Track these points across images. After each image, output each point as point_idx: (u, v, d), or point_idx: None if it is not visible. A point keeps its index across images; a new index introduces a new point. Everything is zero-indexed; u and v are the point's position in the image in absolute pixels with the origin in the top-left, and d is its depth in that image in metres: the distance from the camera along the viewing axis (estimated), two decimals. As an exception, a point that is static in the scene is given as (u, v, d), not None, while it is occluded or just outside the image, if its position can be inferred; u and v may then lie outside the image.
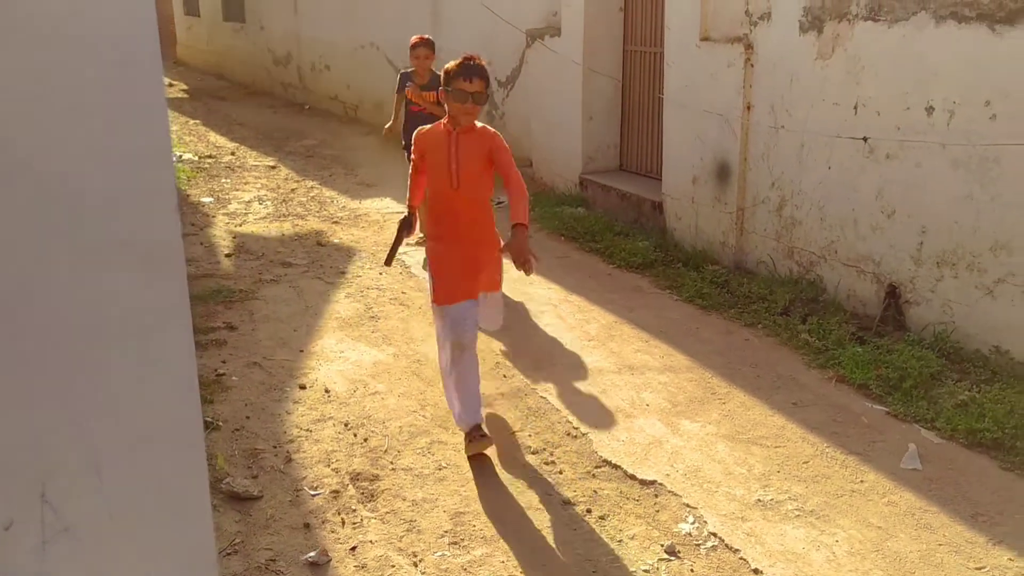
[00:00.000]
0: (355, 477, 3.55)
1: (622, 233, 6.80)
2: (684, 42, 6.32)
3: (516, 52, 9.03)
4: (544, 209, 7.58)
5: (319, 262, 6.41)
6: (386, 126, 6.68)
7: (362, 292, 5.79)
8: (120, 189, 0.71)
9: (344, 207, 8.11)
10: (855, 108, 5.00)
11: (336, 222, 7.56)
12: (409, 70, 6.32)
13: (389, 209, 7.96)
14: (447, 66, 3.64)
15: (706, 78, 6.12)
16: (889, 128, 4.80)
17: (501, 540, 3.14)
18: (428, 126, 3.77)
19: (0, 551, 0.73)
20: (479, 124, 3.65)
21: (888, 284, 4.93)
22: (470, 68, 3.52)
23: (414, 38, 6.23)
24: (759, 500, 3.37)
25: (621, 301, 5.54)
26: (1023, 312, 4.21)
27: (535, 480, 3.54)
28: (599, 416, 4.04)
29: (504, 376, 4.48)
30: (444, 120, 3.68)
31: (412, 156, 3.81)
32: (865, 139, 4.94)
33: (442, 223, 3.71)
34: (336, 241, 6.98)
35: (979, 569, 2.94)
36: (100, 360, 0.74)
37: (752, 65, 5.75)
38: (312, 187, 8.93)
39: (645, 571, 2.97)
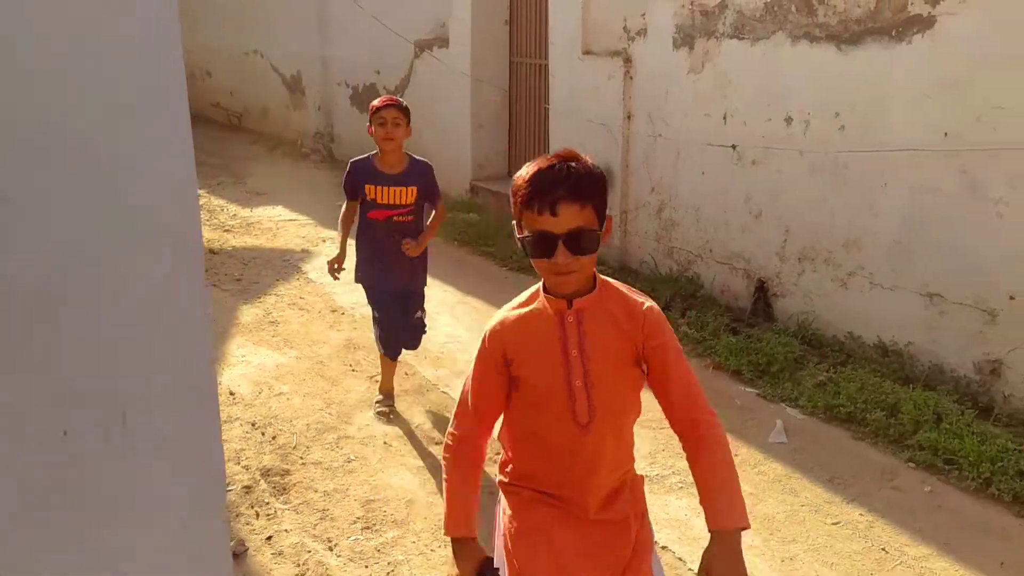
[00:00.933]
0: (266, 472, 3.68)
1: (513, 236, 7.09)
2: (567, 55, 6.68)
3: (405, 62, 9.23)
4: (437, 215, 7.80)
5: (214, 270, 6.43)
6: (330, 259, 4.08)
7: (259, 298, 5.87)
8: (150, 177, 0.90)
9: (235, 215, 8.10)
10: (724, 118, 5.45)
11: (228, 230, 7.57)
12: (365, 157, 3.97)
13: (281, 217, 8.01)
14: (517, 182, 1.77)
15: (589, 89, 6.49)
16: (754, 137, 5.26)
17: (412, 522, 3.35)
18: (513, 313, 1.88)
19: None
20: (614, 282, 1.88)
21: (757, 279, 5.40)
22: (547, 183, 1.69)
23: (377, 101, 3.90)
24: (646, 475, 3.68)
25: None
26: (871, 301, 4.72)
27: (439, 469, 3.75)
28: (498, 407, 4.30)
29: (406, 374, 4.68)
30: (540, 289, 1.86)
31: (477, 366, 1.92)
32: (734, 147, 5.39)
33: (552, 472, 1.91)
34: (229, 249, 7.00)
35: (835, 524, 3.34)
36: (132, 328, 0.93)
37: (631, 78, 6.14)
38: (200, 196, 8.86)
39: (546, 543, 3.23)
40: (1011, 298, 4.06)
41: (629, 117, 6.22)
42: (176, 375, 0.94)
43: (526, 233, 1.73)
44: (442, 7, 8.43)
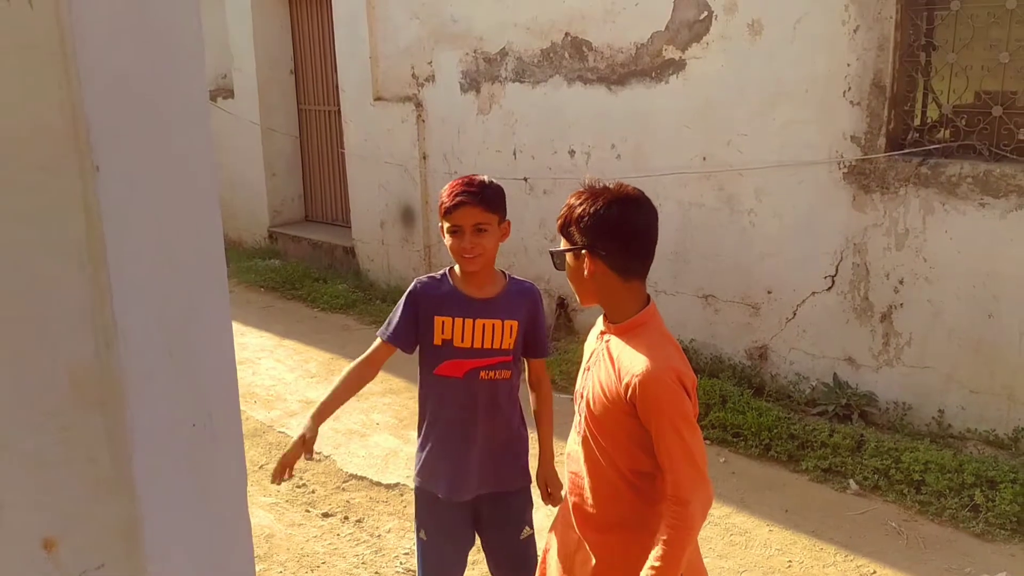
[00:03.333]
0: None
1: (320, 279, 7.26)
2: (359, 102, 6.99)
3: (187, 113, 9.13)
4: (238, 264, 7.80)
5: None
6: (293, 444, 2.49)
7: None
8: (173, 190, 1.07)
9: None
10: (514, 154, 5.98)
11: None
12: (439, 274, 2.48)
13: None
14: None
15: (383, 133, 6.83)
16: (543, 169, 5.82)
17: (275, 554, 3.49)
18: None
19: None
20: (654, 334, 1.95)
21: (558, 297, 5.94)
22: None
23: (446, 192, 2.35)
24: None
25: (332, 340, 6.01)
26: (658, 306, 5.36)
27: (292, 501, 3.92)
28: (338, 439, 4.49)
29: (239, 419, 4.75)
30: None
31: None
32: (525, 179, 5.93)
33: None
34: None
35: (653, 499, 3.86)
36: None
37: (424, 121, 6.56)
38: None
39: (405, 553, 3.49)
40: (768, 292, 4.83)
41: (425, 157, 6.62)
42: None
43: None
44: (223, 58, 8.47)
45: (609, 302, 1.95)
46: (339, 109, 7.35)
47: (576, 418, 2.03)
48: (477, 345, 2.34)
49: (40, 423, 0.75)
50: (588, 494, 1.96)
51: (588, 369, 2.00)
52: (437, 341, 2.34)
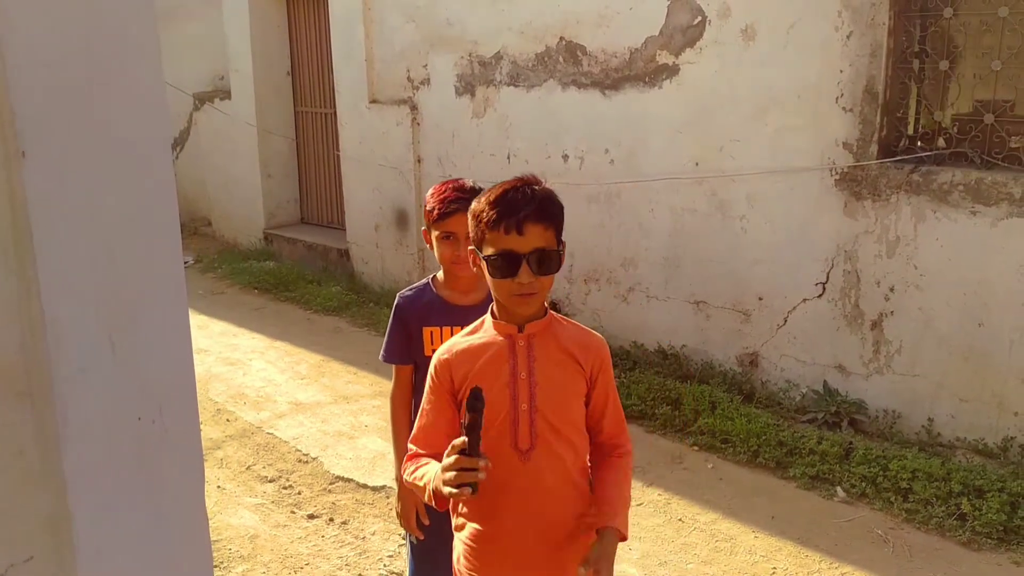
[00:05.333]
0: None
1: (314, 281, 7.25)
2: (355, 104, 6.99)
3: (184, 114, 9.14)
4: (232, 265, 7.80)
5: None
6: (399, 509, 2.42)
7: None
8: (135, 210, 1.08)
9: None
10: (508, 157, 5.97)
11: None
12: (421, 285, 2.45)
13: None
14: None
15: (378, 136, 6.83)
16: (536, 173, 5.78)
17: (259, 555, 3.47)
18: (461, 340, 1.89)
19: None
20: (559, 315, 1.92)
21: (551, 301, 5.91)
22: (513, 204, 1.75)
23: (433, 195, 2.37)
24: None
25: (325, 342, 5.99)
26: (649, 312, 5.36)
27: (278, 503, 3.90)
28: (325, 441, 4.48)
29: (228, 421, 4.74)
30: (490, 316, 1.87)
31: (429, 400, 1.90)
32: (518, 183, 5.92)
33: (490, 502, 1.82)
34: None
35: (639, 505, 3.83)
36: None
37: (418, 124, 6.55)
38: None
39: (389, 556, 3.48)
40: (759, 298, 4.82)
41: (419, 160, 6.62)
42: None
43: (490, 252, 1.72)
44: (220, 60, 8.48)
45: (545, 296, 1.83)
46: (335, 111, 7.34)
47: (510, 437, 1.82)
48: None
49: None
50: (550, 510, 1.83)
51: (519, 378, 1.79)
52: (428, 352, 2.30)
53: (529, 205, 1.73)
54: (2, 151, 0.69)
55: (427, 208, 2.32)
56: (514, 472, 1.79)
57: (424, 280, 2.44)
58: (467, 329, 1.89)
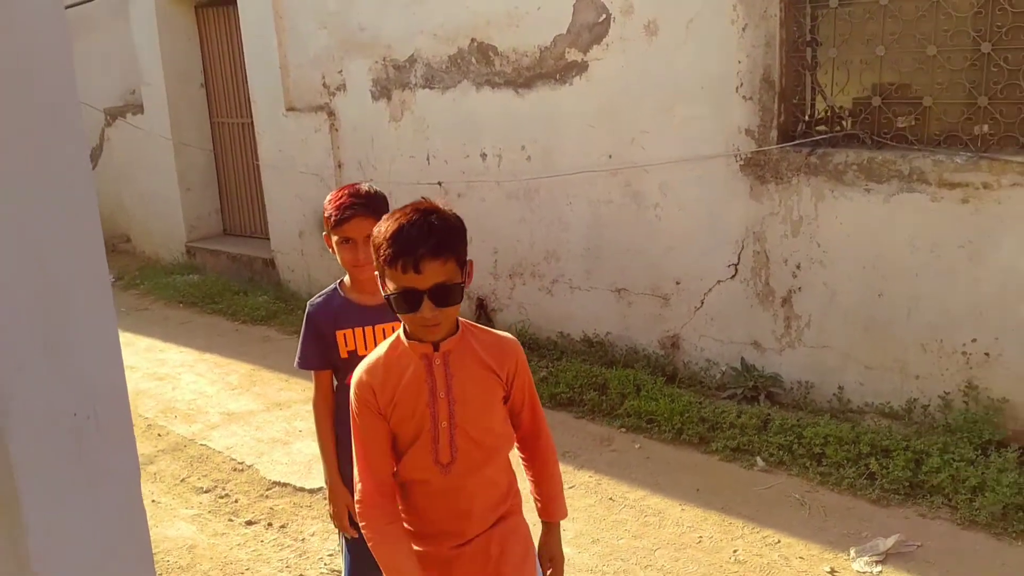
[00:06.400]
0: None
1: (240, 292, 7.22)
2: (271, 113, 6.98)
3: (95, 130, 8.96)
4: (155, 280, 7.71)
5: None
6: (332, 505, 2.48)
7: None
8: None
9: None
10: (428, 159, 6.06)
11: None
12: (329, 291, 2.50)
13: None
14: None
15: (297, 143, 6.83)
16: (456, 172, 5.92)
17: (198, 564, 3.50)
18: (376, 360, 1.89)
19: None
20: (468, 321, 1.94)
21: (477, 298, 6.04)
22: (408, 242, 1.70)
23: (331, 202, 2.41)
24: (409, 481, 4.12)
25: (254, 351, 5.99)
26: (573, 303, 5.51)
27: (215, 512, 3.92)
28: (260, 448, 4.50)
29: (159, 435, 4.72)
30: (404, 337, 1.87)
31: (357, 421, 1.88)
32: (440, 183, 6.01)
33: (424, 518, 1.94)
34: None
35: (571, 488, 3.97)
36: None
37: (337, 129, 6.59)
38: None
39: (330, 555, 3.54)
40: (677, 283, 5.01)
41: (340, 165, 6.65)
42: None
43: (391, 289, 1.72)
44: (130, 74, 8.35)
45: (455, 318, 1.85)
46: (252, 121, 7.32)
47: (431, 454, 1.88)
48: None
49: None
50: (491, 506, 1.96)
51: (439, 398, 1.84)
52: (344, 355, 2.38)
53: (426, 242, 1.67)
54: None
55: (325, 215, 2.38)
56: (440, 486, 1.87)
57: (331, 285, 2.49)
58: (379, 349, 1.89)
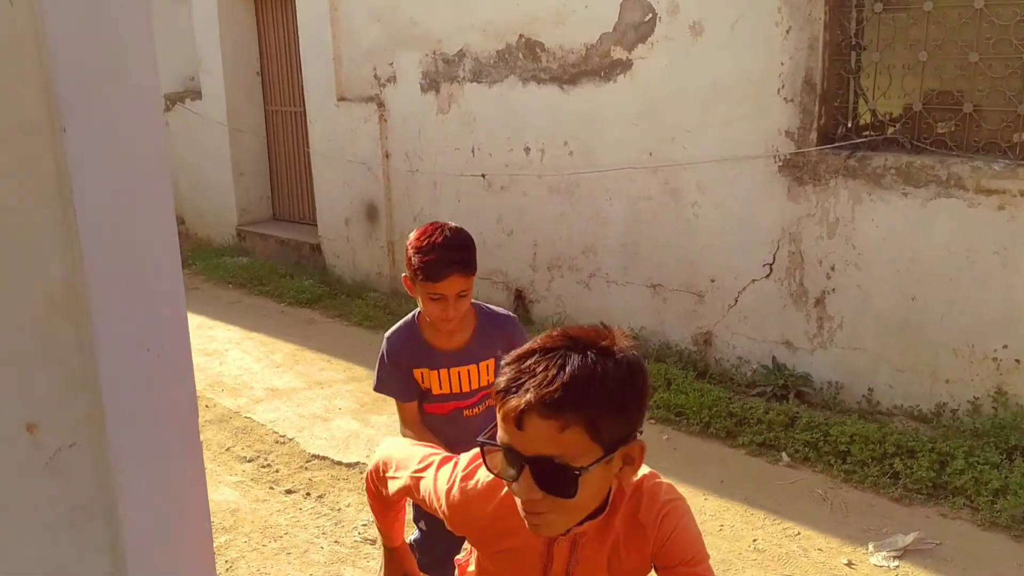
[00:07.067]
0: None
1: (287, 275, 7.44)
2: (323, 102, 7.18)
3: (155, 115, 9.26)
4: (206, 261, 7.96)
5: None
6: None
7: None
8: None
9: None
10: (472, 151, 6.20)
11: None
12: (409, 322, 2.42)
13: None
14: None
15: (347, 132, 7.02)
16: (500, 166, 6.05)
17: (240, 526, 3.68)
18: (476, 492, 1.42)
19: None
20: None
21: (515, 289, 6.17)
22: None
23: (415, 247, 2.22)
24: (442, 460, 4.26)
25: (298, 332, 6.19)
26: (609, 297, 5.62)
27: (256, 480, 4.11)
28: (301, 423, 4.69)
29: (207, 407, 4.93)
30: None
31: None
32: (483, 176, 6.15)
33: None
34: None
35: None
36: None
37: (386, 120, 6.76)
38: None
39: (364, 525, 3.70)
40: (712, 280, 5.09)
41: (387, 156, 6.83)
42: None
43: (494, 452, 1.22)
44: (189, 61, 8.62)
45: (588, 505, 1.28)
46: (304, 110, 7.53)
47: None
48: (455, 390, 2.38)
49: (23, 331, 0.96)
50: None
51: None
52: (424, 386, 2.40)
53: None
54: (48, 126, 0.92)
55: (410, 262, 2.18)
56: None
57: (410, 317, 2.40)
58: (471, 468, 1.41)
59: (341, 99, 7.05)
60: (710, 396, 4.62)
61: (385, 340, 2.41)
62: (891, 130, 4.43)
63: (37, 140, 0.92)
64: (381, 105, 6.75)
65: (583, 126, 5.53)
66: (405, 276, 2.27)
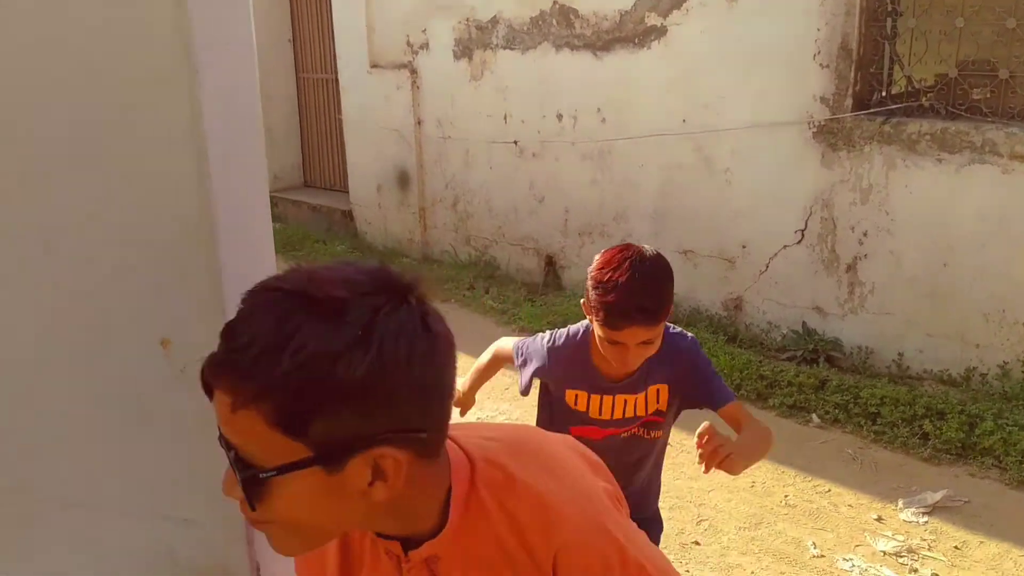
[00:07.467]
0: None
1: (320, 241, 7.56)
2: (356, 69, 7.25)
3: (187, 82, 9.37)
4: (240, 227, 8.10)
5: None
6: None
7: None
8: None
9: None
10: (505, 119, 6.26)
11: None
12: (579, 336, 2.05)
13: None
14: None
15: (380, 100, 7.10)
16: (532, 133, 6.11)
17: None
18: None
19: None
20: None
21: (546, 255, 6.25)
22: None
23: (610, 285, 1.79)
24: (478, 418, 4.38)
25: (333, 296, 6.31)
26: (641, 262, 5.68)
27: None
28: (340, 382, 4.82)
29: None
30: None
31: None
32: (516, 143, 6.22)
33: None
34: None
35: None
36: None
37: (418, 87, 6.83)
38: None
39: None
40: (743, 246, 5.14)
41: (419, 123, 6.90)
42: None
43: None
44: (223, 28, 8.70)
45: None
46: (336, 77, 7.60)
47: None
48: (617, 416, 2.02)
49: (160, 257, 1.06)
50: None
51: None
52: (571, 407, 2.05)
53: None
54: (185, 72, 1.01)
55: (588, 295, 1.84)
56: None
57: (582, 333, 2.02)
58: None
59: (374, 66, 7.11)
60: (740, 359, 4.70)
61: (545, 349, 2.06)
62: (926, 97, 4.45)
63: (174, 85, 1.01)
64: (414, 72, 6.81)
65: (616, 93, 5.57)
66: (584, 302, 1.90)
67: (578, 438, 1.64)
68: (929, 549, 3.22)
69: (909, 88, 4.54)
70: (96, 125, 1.00)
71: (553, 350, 2.05)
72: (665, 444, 2.18)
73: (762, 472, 3.79)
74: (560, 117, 5.92)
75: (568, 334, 2.06)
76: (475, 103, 6.44)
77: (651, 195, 5.54)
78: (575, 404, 2.04)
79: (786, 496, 3.61)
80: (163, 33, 1.01)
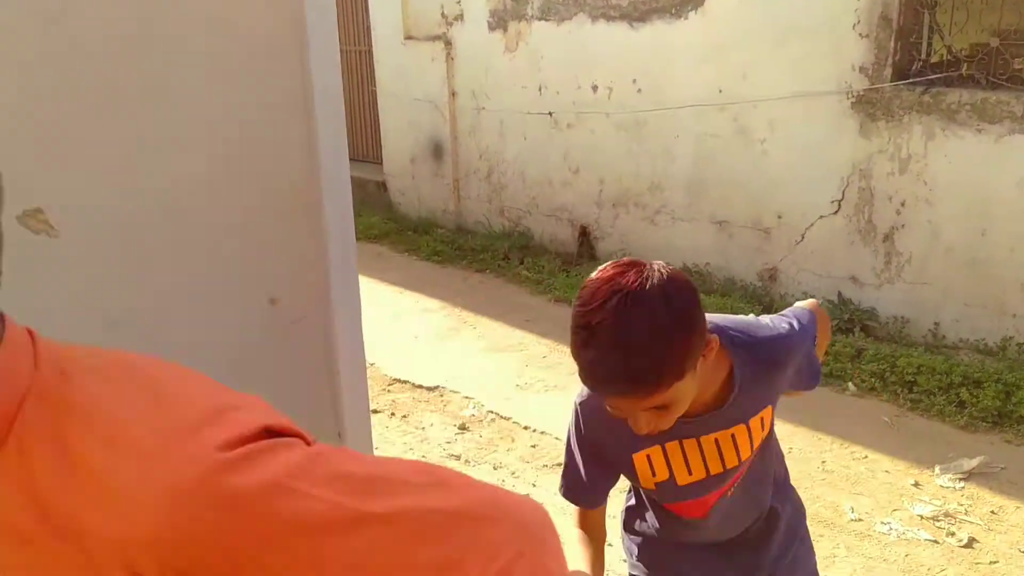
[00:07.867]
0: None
1: (354, 213, 7.63)
2: (390, 41, 7.29)
3: (220, 54, 9.45)
4: (275, 199, 8.22)
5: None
6: None
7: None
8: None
9: None
10: (540, 90, 6.29)
11: None
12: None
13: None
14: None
15: (414, 71, 7.14)
16: (567, 104, 6.14)
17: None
18: None
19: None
20: None
21: (580, 226, 6.30)
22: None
23: (583, 305, 1.25)
24: (517, 385, 4.47)
25: (371, 265, 6.40)
26: (674, 233, 5.73)
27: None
28: (382, 350, 4.91)
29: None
30: None
31: None
32: (550, 114, 6.25)
33: None
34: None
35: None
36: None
37: (452, 59, 6.86)
38: None
39: (448, 442, 3.93)
40: (779, 217, 5.17)
41: (454, 94, 6.94)
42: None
43: None
44: (257, 0, 8.76)
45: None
46: (370, 48, 7.65)
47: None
48: (715, 469, 1.47)
49: (270, 221, 1.14)
50: None
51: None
52: (648, 485, 1.52)
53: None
54: (296, 48, 1.08)
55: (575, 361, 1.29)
56: None
57: None
58: None
59: (408, 38, 7.15)
60: (776, 329, 4.74)
61: (577, 415, 1.51)
62: (966, 67, 4.43)
63: (286, 59, 1.09)
64: (448, 44, 6.84)
65: (652, 63, 5.58)
66: None
67: (676, 516, 1.49)
68: (966, 513, 3.28)
69: (949, 58, 4.52)
70: (220, 94, 1.08)
71: (584, 412, 1.48)
72: (773, 434, 1.62)
73: (799, 438, 3.85)
74: (595, 88, 5.94)
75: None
76: (510, 74, 6.47)
77: (686, 166, 5.56)
78: (652, 474, 1.47)
79: (823, 462, 3.67)
80: (279, 12, 1.08)
